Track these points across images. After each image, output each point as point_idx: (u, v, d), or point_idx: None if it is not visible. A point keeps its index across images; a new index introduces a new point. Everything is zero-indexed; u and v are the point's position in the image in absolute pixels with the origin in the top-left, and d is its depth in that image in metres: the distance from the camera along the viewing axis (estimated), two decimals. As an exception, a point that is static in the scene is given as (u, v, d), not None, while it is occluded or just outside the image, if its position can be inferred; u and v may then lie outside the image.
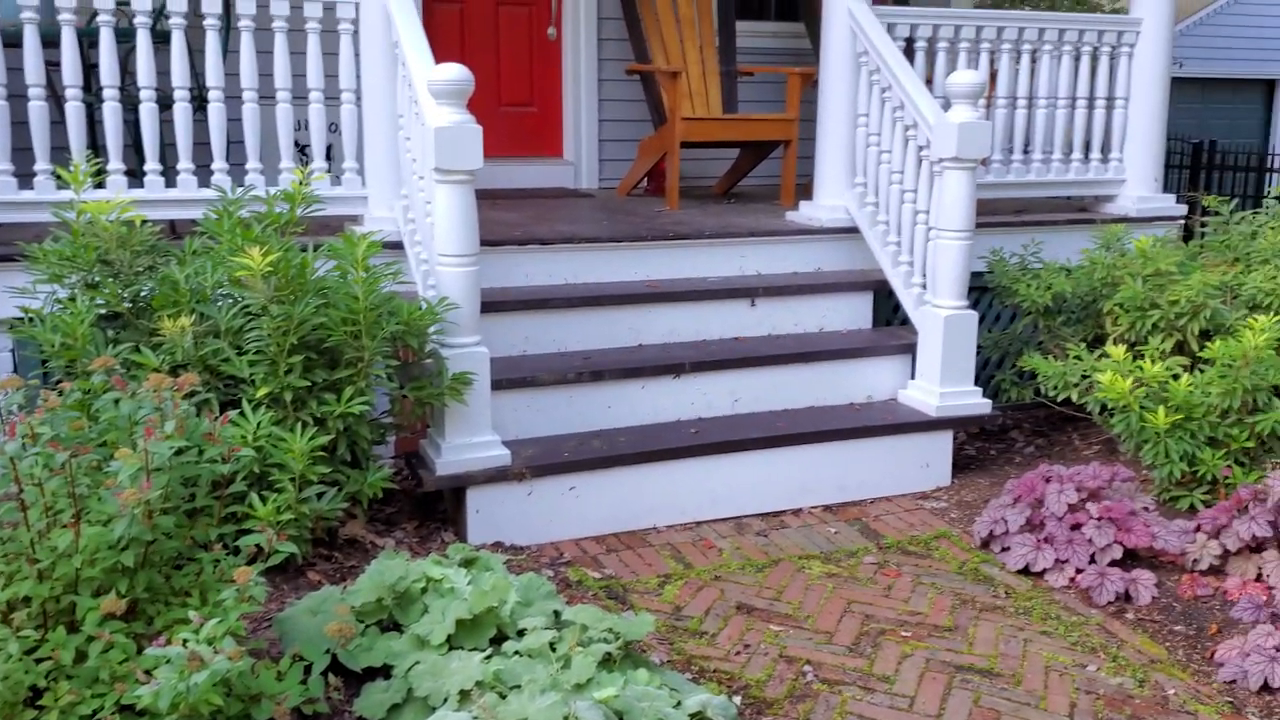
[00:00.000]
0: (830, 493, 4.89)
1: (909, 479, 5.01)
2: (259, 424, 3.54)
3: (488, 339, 4.34)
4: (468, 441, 4.30)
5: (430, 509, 4.59)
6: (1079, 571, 4.07)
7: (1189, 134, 9.88)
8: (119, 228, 3.97)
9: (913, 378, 5.17)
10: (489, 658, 3.04)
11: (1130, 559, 4.12)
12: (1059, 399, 4.89)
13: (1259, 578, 3.85)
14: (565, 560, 4.33)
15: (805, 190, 5.97)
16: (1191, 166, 8.92)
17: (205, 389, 3.62)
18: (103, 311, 3.93)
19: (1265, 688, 3.39)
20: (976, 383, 5.07)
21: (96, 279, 3.93)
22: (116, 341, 3.78)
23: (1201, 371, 4.43)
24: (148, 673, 2.57)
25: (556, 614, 3.30)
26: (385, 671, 3.18)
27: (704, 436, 4.74)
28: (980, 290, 5.56)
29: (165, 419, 2.91)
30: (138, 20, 4.55)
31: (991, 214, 5.90)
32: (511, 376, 4.60)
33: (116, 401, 3.07)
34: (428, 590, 3.34)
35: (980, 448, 5.54)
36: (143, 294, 3.97)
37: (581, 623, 3.16)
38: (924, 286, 5.11)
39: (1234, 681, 3.46)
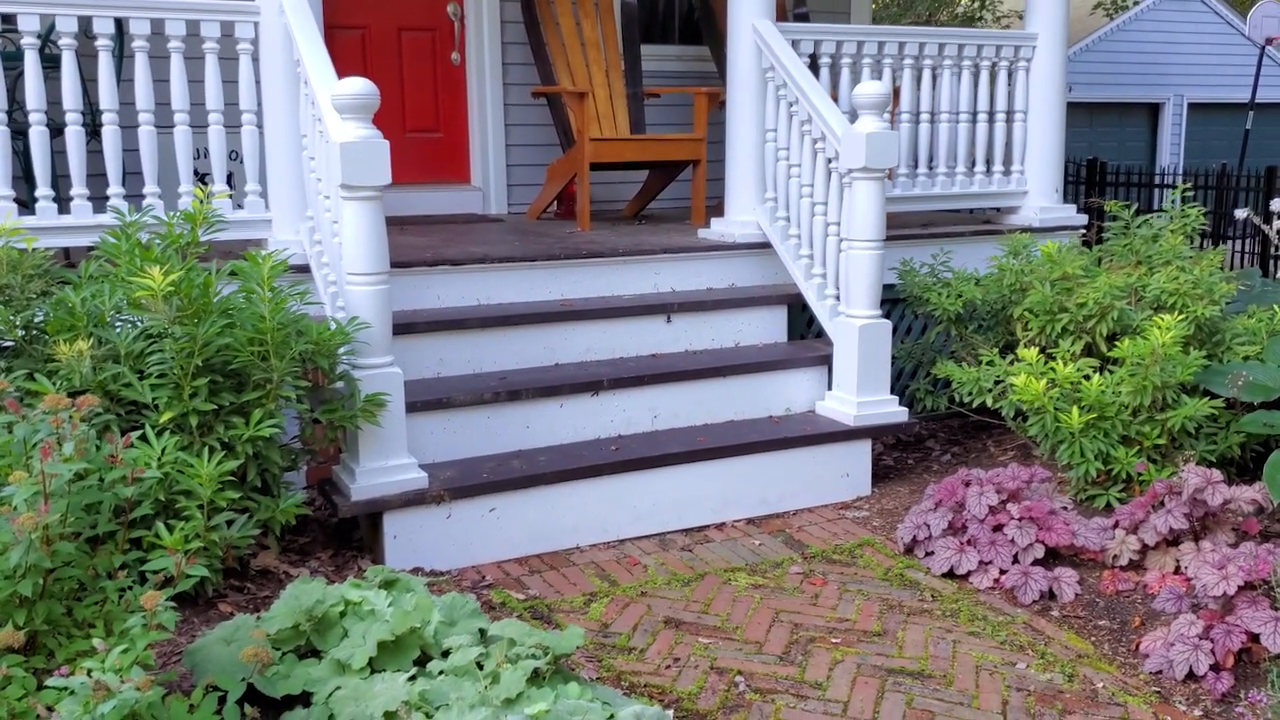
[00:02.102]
0: (753, 505, 4.87)
1: (830, 489, 5.02)
2: (164, 449, 3.38)
3: (401, 361, 4.23)
4: (383, 465, 4.18)
5: (345, 537, 4.44)
6: (1003, 572, 4.10)
7: (1080, 156, 10.21)
8: (9, 252, 3.79)
9: (830, 389, 5.19)
10: (414, 679, 2.93)
11: (1052, 558, 4.16)
12: (974, 405, 4.95)
13: (1177, 570, 3.92)
14: (488, 583, 4.22)
15: (716, 211, 5.99)
16: (1086, 182, 9.21)
17: (106, 415, 3.45)
18: (-6, 341, 3.74)
19: (1190, 676, 3.43)
20: (892, 393, 5.11)
21: (-15, 306, 3.74)
22: (9, 370, 3.60)
23: (1111, 372, 4.52)
24: (49, 708, 2.41)
25: (482, 632, 3.20)
26: (305, 700, 3.04)
27: (624, 453, 4.68)
28: (892, 302, 5.62)
29: (63, 441, 2.75)
30: (25, 42, 4.37)
31: (900, 227, 6.00)
32: (426, 398, 4.50)
33: (9, 426, 2.91)
34: (347, 614, 3.21)
35: (898, 457, 5.58)
36: (36, 320, 3.78)
37: (509, 637, 3.06)
38: (837, 298, 5.15)
39: (1160, 671, 3.50)
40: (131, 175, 4.71)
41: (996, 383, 4.81)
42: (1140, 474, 4.35)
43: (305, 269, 4.60)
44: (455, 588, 4.10)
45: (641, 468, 4.65)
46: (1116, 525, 4.16)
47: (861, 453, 5.07)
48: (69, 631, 2.76)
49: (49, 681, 2.41)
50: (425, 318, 4.83)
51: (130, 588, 2.92)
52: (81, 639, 2.72)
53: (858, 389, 5.01)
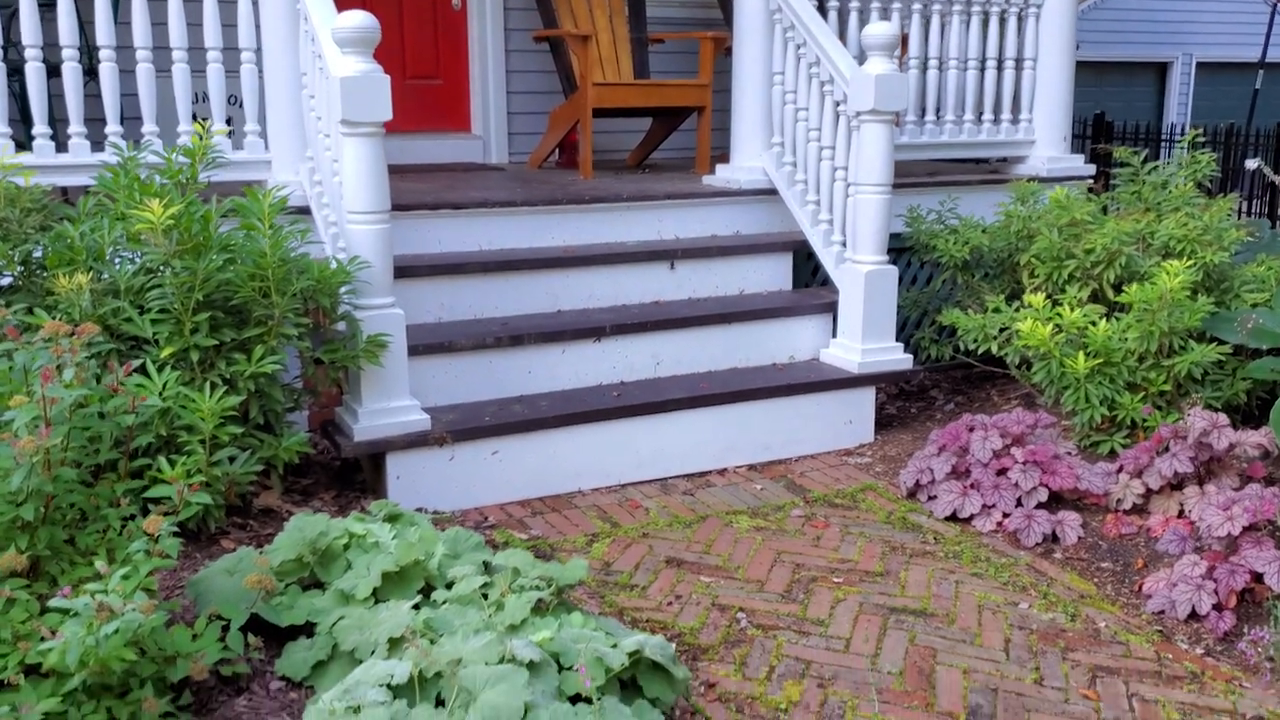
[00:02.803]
0: (755, 452, 4.86)
1: (833, 436, 5.00)
2: (165, 383, 3.36)
3: (402, 305, 4.20)
4: (385, 406, 4.16)
5: (348, 479, 4.43)
6: (1006, 515, 4.10)
7: (1087, 116, 10.12)
8: (6, 187, 3.75)
9: (834, 336, 5.17)
10: (418, 608, 2.92)
11: (1055, 502, 4.15)
12: (979, 353, 4.92)
13: (1181, 514, 3.91)
14: (490, 524, 4.22)
15: (721, 160, 5.92)
16: (1093, 138, 9.14)
17: (106, 344, 3.43)
18: (-8, 274, 3.71)
19: (1193, 615, 3.43)
20: (896, 341, 5.08)
21: (-16, 241, 3.70)
22: (9, 305, 3.57)
23: (1118, 319, 4.49)
24: (53, 631, 2.40)
25: (486, 564, 3.19)
26: (308, 630, 3.04)
27: (626, 399, 4.66)
28: (898, 251, 5.58)
29: (63, 368, 2.73)
30: (20, -21, 4.30)
31: (907, 176, 5.94)
32: (428, 342, 4.47)
33: (9, 354, 2.88)
34: (351, 546, 3.21)
35: (901, 406, 5.56)
36: (35, 255, 3.75)
37: (513, 567, 3.06)
38: (844, 244, 5.11)
39: (1162, 611, 3.49)
40: (130, 120, 4.66)
41: (1002, 330, 4.78)
42: (1145, 419, 4.33)
43: (305, 210, 4.56)
44: (458, 527, 4.10)
45: (644, 413, 4.63)
46: (1120, 470, 4.14)
47: (865, 400, 5.05)
48: (71, 558, 2.75)
49: (51, 603, 2.40)
50: (427, 261, 4.79)
51: (133, 517, 2.91)
52: (84, 565, 2.71)
53: (862, 336, 4.98)
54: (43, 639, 2.38)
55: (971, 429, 4.37)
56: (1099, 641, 3.36)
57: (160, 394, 3.30)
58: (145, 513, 2.91)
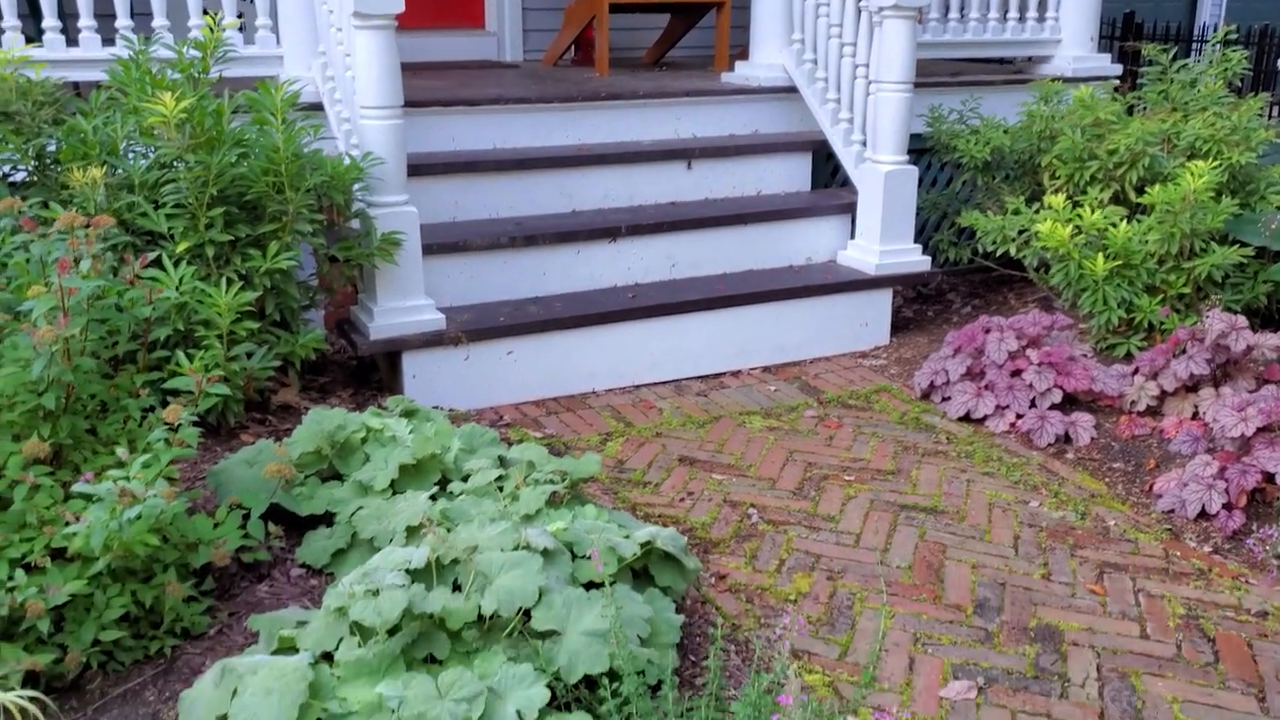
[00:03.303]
0: (769, 354, 4.86)
1: (848, 338, 5.00)
2: (181, 278, 3.37)
3: (416, 203, 4.17)
4: (400, 305, 4.17)
5: (365, 378, 4.46)
6: (1019, 416, 4.10)
7: (1115, 16, 9.85)
8: (18, 79, 3.72)
9: (852, 238, 5.13)
10: (435, 498, 2.97)
11: (1069, 403, 4.15)
12: (997, 255, 4.88)
13: (1195, 416, 3.91)
14: (505, 423, 4.25)
15: (740, 58, 5.81)
16: (1121, 37, 8.91)
17: (122, 237, 3.43)
18: (7, 170, 3.69)
19: (1202, 514, 3.45)
20: (915, 243, 5.04)
21: (-2, 135, 3.69)
22: (24, 200, 3.56)
23: (1139, 221, 4.43)
24: (77, 516, 2.45)
25: (501, 459, 3.23)
26: (328, 520, 3.10)
27: (641, 300, 4.65)
28: (918, 153, 5.50)
29: (80, 260, 2.74)
30: None
31: (929, 75, 5.82)
32: (442, 241, 4.46)
33: (26, 246, 2.89)
34: (368, 440, 3.25)
35: (917, 310, 5.54)
36: (49, 149, 3.73)
37: (528, 460, 3.09)
38: (864, 144, 5.04)
39: (1172, 510, 3.52)
40: (140, 16, 4.59)
41: (1021, 232, 4.73)
42: (1163, 322, 4.31)
43: (318, 107, 4.51)
44: (474, 424, 4.14)
45: (658, 315, 4.63)
46: (1136, 372, 4.13)
47: (882, 302, 5.04)
48: (93, 448, 2.79)
49: (75, 488, 2.45)
50: (441, 160, 4.75)
51: (152, 409, 2.95)
52: (106, 454, 2.75)
53: (881, 237, 4.94)
54: (67, 524, 2.43)
55: (987, 331, 4.36)
56: (1108, 539, 3.39)
57: (177, 288, 3.32)
58: (165, 405, 2.94)
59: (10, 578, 2.39)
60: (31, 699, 2.14)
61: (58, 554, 2.54)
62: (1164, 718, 2.59)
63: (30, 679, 2.39)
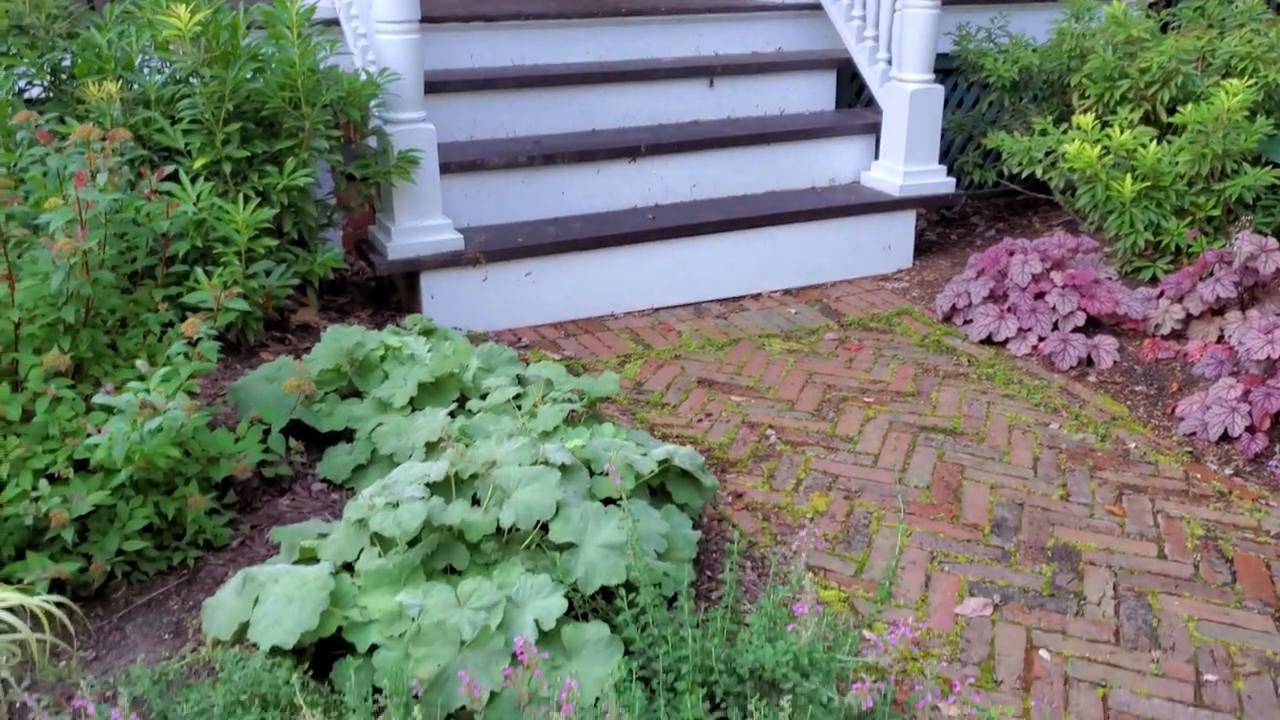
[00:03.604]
0: (790, 276, 4.82)
1: (870, 261, 4.95)
2: (199, 194, 3.36)
3: (434, 122, 4.12)
4: (418, 225, 4.14)
5: (383, 299, 4.46)
6: (1041, 339, 4.07)
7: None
8: (31, -9, 3.67)
9: (876, 159, 5.06)
10: (453, 415, 2.98)
11: (1093, 326, 4.12)
12: (1023, 177, 4.80)
13: (1220, 339, 3.87)
14: (524, 344, 4.25)
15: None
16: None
17: (139, 151, 3.41)
18: (22, 85, 3.67)
19: (1225, 437, 3.43)
20: (939, 164, 4.96)
21: (12, 49, 3.65)
22: (40, 115, 3.54)
23: (1170, 142, 4.34)
24: (98, 428, 2.47)
25: (519, 378, 3.23)
26: (348, 437, 3.12)
27: (661, 221, 4.61)
28: (945, 73, 5.39)
29: (96, 173, 2.72)
30: None
31: (956, -8, 5.69)
32: (460, 160, 4.41)
33: (43, 159, 2.88)
34: (387, 358, 3.25)
35: (941, 233, 5.48)
36: (63, 64, 3.70)
37: (546, 379, 3.09)
38: (889, 62, 4.94)
39: (1194, 433, 3.49)
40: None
41: (1048, 153, 4.64)
42: (1190, 244, 4.24)
43: (334, 22, 4.44)
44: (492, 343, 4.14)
45: (678, 236, 4.59)
46: (1161, 295, 4.08)
47: (905, 224, 4.98)
48: (114, 361, 2.80)
49: (96, 399, 2.46)
50: (458, 77, 4.68)
51: (171, 325, 2.95)
52: (126, 368, 2.77)
53: (905, 158, 4.87)
54: (89, 436, 2.44)
55: (1011, 253, 4.30)
56: (1128, 461, 3.38)
57: (194, 204, 3.30)
58: (184, 320, 2.94)
59: (34, 488, 2.42)
60: (58, 604, 2.18)
61: (80, 465, 2.56)
62: (1179, 635, 2.60)
63: (56, 587, 2.43)
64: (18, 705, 2.20)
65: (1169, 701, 2.39)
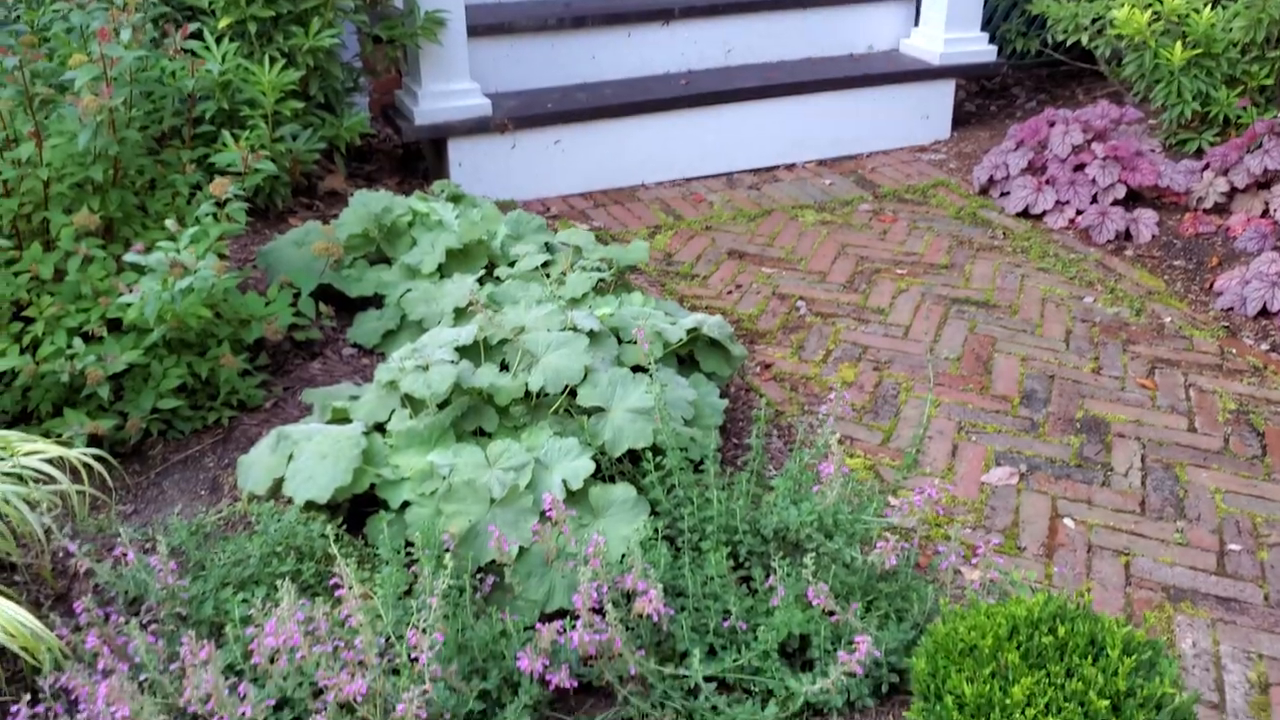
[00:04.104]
0: (825, 146, 4.73)
1: (907, 132, 4.84)
2: (224, 54, 3.30)
3: (461, -19, 4.02)
4: (446, 89, 4.07)
5: (411, 167, 4.42)
6: (1079, 212, 3.99)
7: None
8: None
9: (916, 25, 4.90)
10: (482, 282, 2.97)
11: (1133, 200, 4.02)
12: (1067, 45, 4.64)
13: (1265, 213, 3.77)
14: (553, 214, 4.21)
15: None
16: None
17: (162, 7, 3.36)
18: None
19: (1263, 312, 3.38)
20: (981, 32, 4.80)
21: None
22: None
23: (1224, 7, 4.17)
24: (130, 287, 2.48)
25: (548, 245, 3.21)
26: (377, 303, 3.13)
27: (694, 88, 4.51)
28: (989, -67, 5.18)
29: (120, 29, 2.67)
30: None
31: None
32: (488, 23, 4.32)
33: (65, 15, 2.83)
34: (415, 224, 3.23)
35: (980, 104, 5.33)
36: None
37: (575, 246, 3.07)
38: (931, -78, 4.75)
39: (1231, 308, 3.44)
40: None
41: (1095, 20, 4.47)
42: (1240, 115, 4.11)
43: (359, -123, 4.30)
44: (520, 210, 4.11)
45: (712, 103, 4.49)
46: (1206, 167, 3.98)
47: (943, 94, 4.85)
48: (143, 223, 2.80)
49: (127, 257, 2.47)
50: (487, -64, 4.55)
51: (200, 187, 2.94)
52: (156, 230, 2.77)
53: (945, 24, 4.71)
54: (121, 295, 2.46)
55: (1052, 123, 4.19)
56: (1162, 335, 3.34)
57: (219, 63, 3.26)
58: (211, 182, 2.93)
59: (69, 346, 2.44)
60: (96, 456, 2.22)
61: (114, 326, 2.59)
62: (1205, 506, 2.60)
63: (94, 445, 2.48)
64: (59, 555, 2.27)
65: (1191, 570, 2.41)
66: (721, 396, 2.78)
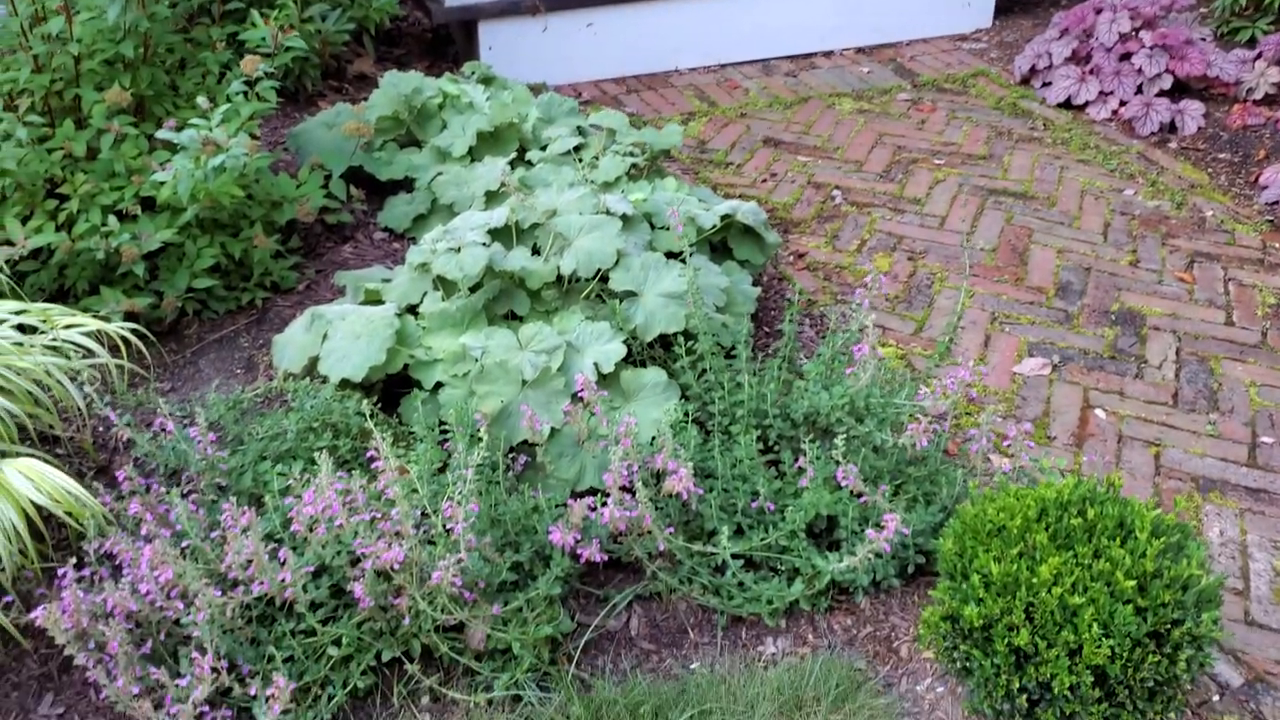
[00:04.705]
0: (864, 33, 4.61)
1: (948, 19, 4.70)
2: (251, -70, 3.24)
3: None
4: (477, -30, 3.99)
5: (440, 51, 4.35)
6: (1123, 103, 3.89)
7: None
8: None
9: (960, -94, 4.73)
10: (513, 166, 2.95)
11: (1178, 91, 3.92)
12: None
13: (1315, 104, 3.67)
14: (584, 100, 4.15)
15: None
16: None
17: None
18: None
19: (1308, 206, 3.31)
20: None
21: None
22: None
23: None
24: (162, 165, 2.48)
25: (580, 129, 3.17)
26: (407, 187, 3.11)
27: (731, -29, 4.39)
28: None
29: (145, -99, 2.62)
30: None
31: None
32: (521, -99, 4.20)
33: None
34: (445, 107, 3.20)
35: (1025, -9, 5.17)
36: None
37: (609, 129, 3.03)
38: None
39: (1276, 202, 3.37)
40: None
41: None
42: (1295, 3, 3.97)
43: None
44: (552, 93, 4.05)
45: (748, -13, 4.38)
46: (1259, 57, 3.85)
47: (986, -21, 4.70)
48: (174, 101, 2.78)
49: (159, 134, 2.46)
50: None
51: (230, 66, 2.91)
52: (187, 109, 2.75)
53: (991, -95, 4.55)
54: (154, 173, 2.46)
55: (1099, 10, 4.06)
56: (1203, 229, 3.28)
57: (247, -59, 3.20)
58: (241, 58, 2.91)
59: (104, 224, 2.45)
60: (133, 332, 2.25)
61: (148, 205, 2.59)
62: (1239, 399, 2.58)
63: (131, 322, 2.51)
64: (100, 430, 2.31)
65: (1221, 461, 2.41)
66: (754, 285, 2.77)
